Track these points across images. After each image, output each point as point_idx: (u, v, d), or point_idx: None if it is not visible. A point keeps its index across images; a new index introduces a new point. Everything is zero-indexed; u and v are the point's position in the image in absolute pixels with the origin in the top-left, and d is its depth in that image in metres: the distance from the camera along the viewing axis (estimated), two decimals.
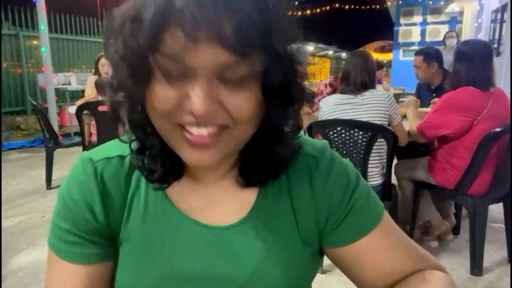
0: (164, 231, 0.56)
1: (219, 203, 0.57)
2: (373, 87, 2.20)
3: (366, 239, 0.57)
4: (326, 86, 3.49)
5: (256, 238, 0.56)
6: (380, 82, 4.53)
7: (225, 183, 0.58)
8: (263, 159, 0.54)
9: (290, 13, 0.47)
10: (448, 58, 3.17)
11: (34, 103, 3.82)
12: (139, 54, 0.43)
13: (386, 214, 0.60)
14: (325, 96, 2.54)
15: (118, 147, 0.58)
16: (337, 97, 2.20)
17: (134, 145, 0.55)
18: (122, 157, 0.57)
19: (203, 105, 0.42)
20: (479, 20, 8.47)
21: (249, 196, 0.57)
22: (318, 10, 19.45)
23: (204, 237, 0.56)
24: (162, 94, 0.44)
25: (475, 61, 2.08)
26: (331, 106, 2.16)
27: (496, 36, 7.63)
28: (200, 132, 0.45)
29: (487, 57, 2.11)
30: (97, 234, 0.55)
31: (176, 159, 0.53)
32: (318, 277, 1.65)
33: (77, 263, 0.55)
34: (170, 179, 0.55)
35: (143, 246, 0.55)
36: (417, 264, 0.59)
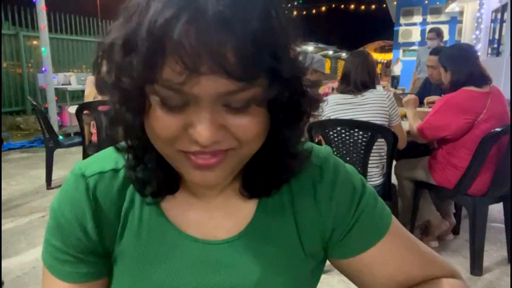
0: (159, 248, 0.54)
1: (217, 217, 0.55)
2: (373, 87, 2.20)
3: (375, 249, 0.56)
4: (333, 90, 3.50)
5: (256, 252, 0.54)
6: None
7: (225, 196, 0.55)
8: (268, 169, 0.52)
9: (290, 12, 0.45)
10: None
11: (34, 103, 3.82)
12: (133, 84, 0.41)
13: (394, 220, 0.58)
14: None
15: (112, 159, 0.55)
16: (337, 97, 2.20)
17: (129, 156, 0.53)
18: (115, 171, 0.54)
19: (208, 134, 0.41)
20: (479, 20, 8.47)
21: (248, 209, 0.55)
22: (318, 10, 19.45)
23: (202, 253, 0.54)
24: (162, 122, 0.42)
25: (470, 59, 2.16)
26: (332, 106, 2.17)
27: (496, 36, 7.63)
28: (204, 156, 0.44)
29: (477, 56, 2.25)
30: (90, 253, 0.54)
31: (172, 172, 0.51)
32: None
33: (69, 281, 0.54)
34: (163, 192, 0.53)
35: (138, 264, 0.54)
36: (428, 270, 0.57)
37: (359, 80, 2.14)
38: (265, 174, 0.52)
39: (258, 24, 0.38)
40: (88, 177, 0.53)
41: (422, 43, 12.27)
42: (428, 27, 6.66)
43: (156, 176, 0.52)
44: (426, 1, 13.01)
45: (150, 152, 0.50)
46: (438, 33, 4.92)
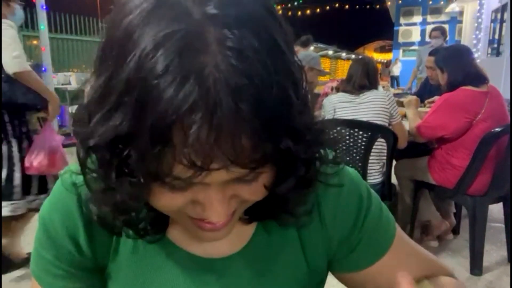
0: (156, 264, 0.51)
1: None
2: (375, 87, 2.26)
3: (381, 262, 0.54)
4: (332, 89, 3.52)
5: (257, 269, 0.52)
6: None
7: None
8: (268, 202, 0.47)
9: (290, 12, 0.42)
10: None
11: None
12: (133, 182, 0.36)
13: (398, 229, 0.57)
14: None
15: None
16: (338, 95, 2.27)
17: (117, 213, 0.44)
18: None
19: (220, 215, 0.39)
20: (479, 20, 8.48)
21: (249, 226, 0.52)
22: (318, 10, 19.46)
23: (201, 270, 0.51)
24: (166, 201, 0.39)
25: (466, 59, 2.18)
26: (332, 105, 2.22)
27: (496, 36, 7.64)
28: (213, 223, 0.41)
29: (473, 56, 2.27)
30: (82, 267, 0.51)
31: None
32: None
33: None
34: (167, 224, 0.50)
35: (134, 281, 0.51)
36: (428, 273, 0.57)
37: (359, 84, 2.21)
38: (265, 204, 0.48)
39: (275, 108, 0.33)
40: (79, 185, 0.48)
41: (422, 43, 12.29)
42: (428, 27, 6.66)
43: (151, 219, 0.47)
44: (426, 1, 13.01)
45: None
46: (442, 31, 4.89)
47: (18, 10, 2.20)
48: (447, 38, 5.53)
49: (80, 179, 0.49)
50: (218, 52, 0.32)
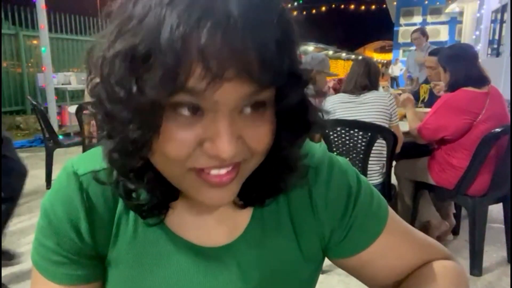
0: (155, 253, 0.52)
1: (212, 223, 0.54)
2: (375, 89, 2.27)
3: (374, 245, 0.56)
4: (329, 89, 3.52)
5: (253, 258, 0.54)
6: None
7: None
8: (263, 180, 0.50)
9: (294, 13, 0.44)
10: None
11: (34, 102, 3.82)
12: (154, 97, 0.37)
13: (390, 212, 0.58)
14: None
15: None
16: (340, 96, 2.27)
17: (123, 182, 0.48)
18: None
19: (230, 148, 0.39)
20: (479, 21, 8.48)
21: (244, 214, 0.54)
22: (318, 10, 19.46)
23: (198, 258, 0.53)
24: (177, 138, 0.40)
25: (469, 60, 2.16)
26: (334, 105, 2.22)
27: (496, 37, 7.65)
28: (219, 172, 0.42)
29: (476, 56, 2.24)
30: (83, 254, 0.52)
31: (171, 187, 0.47)
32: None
33: (62, 284, 0.52)
34: (164, 209, 0.51)
35: (134, 269, 0.52)
36: (425, 255, 0.59)
37: (359, 85, 2.22)
38: (262, 184, 0.51)
39: (278, 27, 0.37)
40: (81, 175, 0.51)
41: None
42: (428, 28, 6.66)
43: (156, 198, 0.49)
44: (426, 2, 13.02)
45: (148, 174, 0.46)
46: (422, 32, 4.84)
47: None
48: (444, 39, 5.59)
49: (81, 169, 0.51)
50: None
